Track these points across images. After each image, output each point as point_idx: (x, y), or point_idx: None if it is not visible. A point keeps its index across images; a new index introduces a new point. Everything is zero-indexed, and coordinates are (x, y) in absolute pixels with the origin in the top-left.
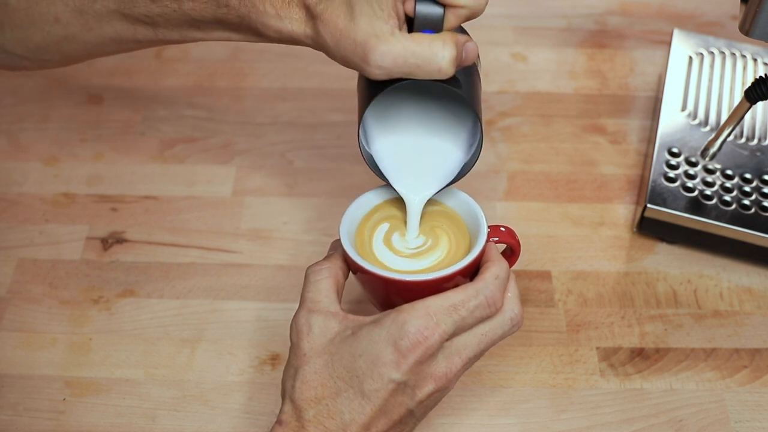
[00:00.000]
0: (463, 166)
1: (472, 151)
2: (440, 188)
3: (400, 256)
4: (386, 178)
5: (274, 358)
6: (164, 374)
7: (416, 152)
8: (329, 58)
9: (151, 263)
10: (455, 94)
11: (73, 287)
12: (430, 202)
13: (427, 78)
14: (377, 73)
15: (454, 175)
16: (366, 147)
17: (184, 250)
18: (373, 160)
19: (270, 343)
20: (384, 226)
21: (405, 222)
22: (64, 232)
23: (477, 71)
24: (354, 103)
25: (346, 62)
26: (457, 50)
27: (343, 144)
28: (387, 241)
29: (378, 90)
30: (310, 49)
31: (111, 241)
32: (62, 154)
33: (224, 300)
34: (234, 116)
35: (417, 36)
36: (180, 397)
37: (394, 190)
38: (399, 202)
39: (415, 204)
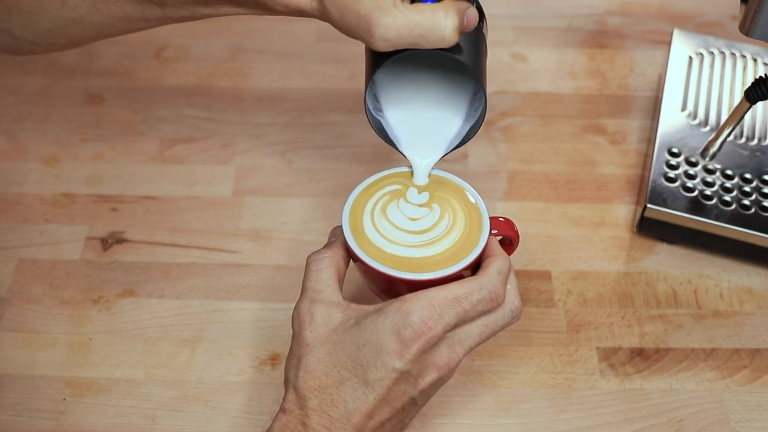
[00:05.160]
0: (468, 130)
1: (477, 116)
2: (446, 152)
3: (405, 246)
4: (394, 144)
5: (274, 358)
6: (164, 374)
7: (423, 118)
8: (329, 58)
9: (151, 263)
10: (458, 62)
11: (73, 287)
12: (443, 181)
13: (431, 47)
14: (382, 45)
15: (460, 139)
16: (374, 114)
17: (184, 250)
18: (381, 127)
19: (270, 343)
20: (389, 206)
21: (406, 193)
22: (64, 232)
23: (483, 36)
24: (354, 101)
25: (350, 35)
26: (459, 18)
27: (342, 144)
28: (392, 221)
29: (382, 60)
30: (310, 48)
31: (111, 241)
32: (62, 154)
33: (224, 300)
34: (234, 116)
35: (419, 6)
36: (180, 397)
37: (401, 155)
38: (400, 175)
39: (422, 168)
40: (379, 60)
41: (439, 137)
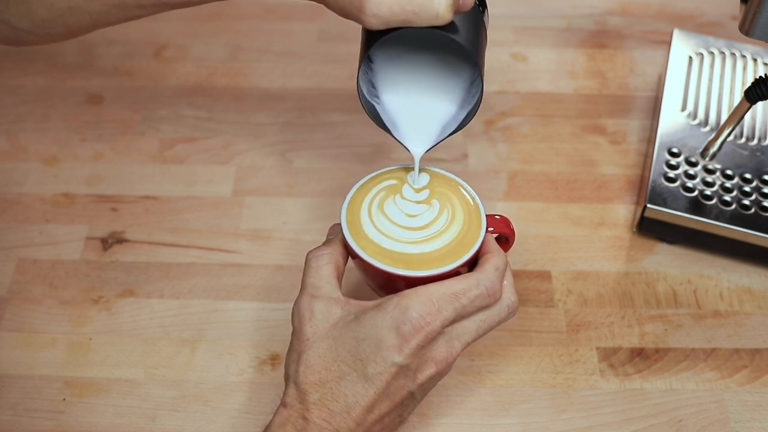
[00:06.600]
0: (465, 117)
1: (474, 102)
2: (441, 139)
3: (403, 242)
4: (388, 130)
5: (274, 358)
6: (164, 374)
7: (419, 104)
8: (329, 58)
9: (151, 263)
10: (453, 41)
11: (73, 287)
12: (441, 178)
13: (425, 25)
14: (374, 23)
15: (456, 125)
16: (368, 99)
17: (184, 250)
18: (375, 112)
19: (270, 343)
20: (386, 202)
21: (402, 189)
22: (64, 232)
23: (483, 23)
24: (354, 101)
25: (344, 13)
26: None
27: (343, 144)
28: (390, 217)
29: (376, 39)
30: (310, 48)
31: (111, 241)
32: (62, 154)
33: (224, 300)
34: (234, 116)
35: None
36: (180, 397)
37: (396, 140)
38: (397, 171)
39: (417, 154)
40: (372, 39)
41: (435, 123)
